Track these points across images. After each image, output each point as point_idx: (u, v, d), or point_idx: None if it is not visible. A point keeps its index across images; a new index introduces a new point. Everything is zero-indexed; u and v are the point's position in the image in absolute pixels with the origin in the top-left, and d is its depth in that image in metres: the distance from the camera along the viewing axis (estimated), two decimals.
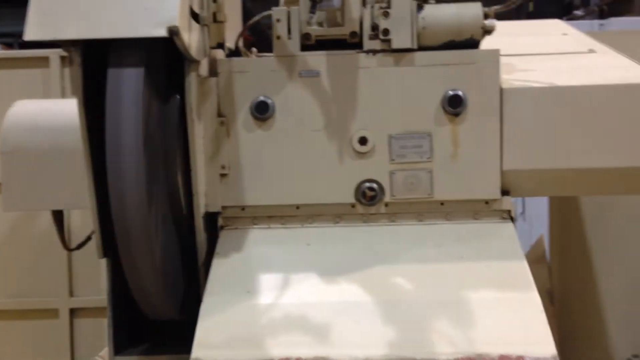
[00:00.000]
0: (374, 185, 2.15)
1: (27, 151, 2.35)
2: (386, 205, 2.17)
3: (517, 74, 2.27)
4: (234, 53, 2.32)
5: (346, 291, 1.97)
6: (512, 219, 2.19)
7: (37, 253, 3.64)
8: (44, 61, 3.61)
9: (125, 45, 1.84)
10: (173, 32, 1.76)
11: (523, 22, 3.03)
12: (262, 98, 2.13)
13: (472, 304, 1.92)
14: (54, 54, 3.60)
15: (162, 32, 1.76)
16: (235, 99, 2.14)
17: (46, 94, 3.58)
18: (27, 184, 2.37)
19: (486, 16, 2.15)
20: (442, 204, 2.17)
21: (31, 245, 3.63)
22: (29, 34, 1.77)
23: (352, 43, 2.14)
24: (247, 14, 2.67)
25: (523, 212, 5.19)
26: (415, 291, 1.98)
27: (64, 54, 3.45)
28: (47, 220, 3.17)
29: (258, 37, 3.17)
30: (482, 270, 2.02)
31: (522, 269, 2.02)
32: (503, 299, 1.94)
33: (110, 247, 2.03)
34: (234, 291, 1.99)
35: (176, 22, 1.76)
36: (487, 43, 2.18)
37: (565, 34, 2.90)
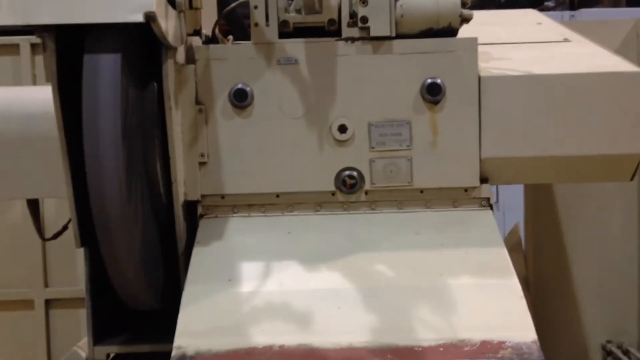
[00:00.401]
0: (354, 174, 2.15)
1: (0, 139, 2.30)
2: (366, 193, 2.17)
3: (494, 62, 2.28)
4: (211, 40, 2.30)
5: (328, 279, 1.98)
6: (491, 207, 2.21)
7: (11, 244, 3.59)
8: (14, 49, 3.55)
9: (101, 31, 1.81)
10: (150, 17, 1.74)
11: (498, 11, 3.05)
12: (240, 86, 2.11)
13: (452, 290, 1.94)
14: (24, 41, 3.54)
15: (138, 18, 1.73)
16: (214, 87, 2.12)
17: (16, 82, 3.53)
18: (1, 172, 2.33)
19: (464, 4, 2.16)
20: (421, 191, 2.19)
21: (5, 235, 3.58)
22: (2, 19, 1.73)
23: (331, 31, 2.13)
24: (221, 2, 2.65)
25: (497, 202, 5.25)
26: (396, 278, 2.00)
27: (35, 41, 3.42)
28: (21, 210, 3.13)
29: (233, 26, 3.14)
30: (462, 257, 2.04)
31: (502, 256, 2.05)
32: (483, 285, 1.96)
33: (87, 236, 2.00)
34: (216, 280, 1.98)
35: (153, 8, 1.74)
36: (463, 32, 2.19)
37: (539, 23, 2.92)
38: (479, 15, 2.26)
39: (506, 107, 2.15)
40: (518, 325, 1.84)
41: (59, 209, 3.41)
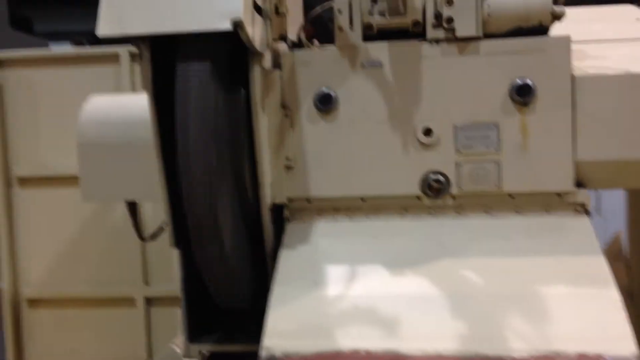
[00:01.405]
0: (440, 177, 2.12)
1: (102, 144, 2.42)
2: (453, 197, 2.13)
3: (589, 61, 2.18)
4: (296, 45, 2.33)
5: (414, 284, 1.96)
6: (588, 213, 2.11)
7: (114, 244, 3.77)
8: (114, 58, 3.73)
9: (191, 39, 1.88)
10: (237, 25, 1.79)
11: (593, 7, 2.90)
12: (325, 90, 2.13)
13: (545, 299, 1.86)
14: (124, 50, 3.71)
15: (226, 26, 1.79)
16: (299, 91, 2.15)
17: (117, 90, 3.70)
18: (102, 176, 2.45)
19: (555, 1, 2.08)
20: (511, 196, 2.12)
21: (108, 236, 3.77)
22: (101, 31, 1.83)
23: (415, 32, 2.11)
24: (307, 7, 2.68)
25: (598, 207, 4.98)
26: (485, 285, 1.94)
27: (134, 50, 3.56)
28: (122, 212, 3.30)
29: (320, 29, 3.16)
30: (556, 264, 1.96)
31: (600, 264, 1.95)
32: (579, 294, 1.88)
33: (182, 236, 2.08)
34: (302, 282, 2.00)
35: (240, 15, 1.78)
36: (556, 29, 2.11)
37: (639, 19, 2.76)
38: (573, 12, 2.17)
39: (603, 108, 2.05)
40: (617, 338, 1.74)
41: (156, 210, 3.56)
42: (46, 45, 6.46)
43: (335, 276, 2.02)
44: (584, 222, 2.08)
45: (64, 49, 4.73)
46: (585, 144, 2.06)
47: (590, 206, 2.14)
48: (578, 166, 2.08)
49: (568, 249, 2.00)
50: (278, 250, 2.13)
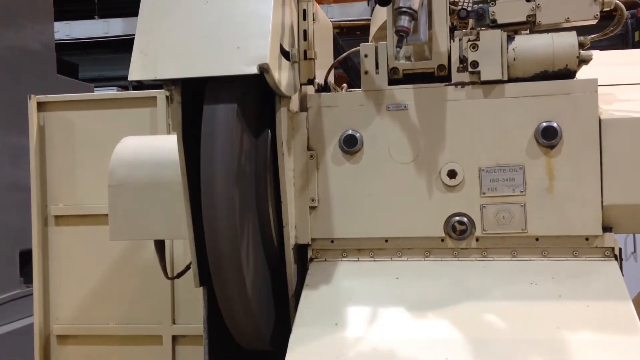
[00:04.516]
0: (464, 219, 2.11)
1: (132, 184, 2.48)
2: (477, 239, 2.12)
3: (617, 104, 2.17)
4: (324, 88, 2.37)
5: (435, 327, 1.93)
6: (616, 257, 2.07)
7: (143, 282, 3.80)
8: (152, 101, 3.82)
9: (219, 82, 1.93)
10: (263, 69, 1.83)
11: (627, 51, 2.89)
12: (350, 132, 2.16)
13: (571, 345, 1.82)
14: (161, 94, 3.81)
15: (253, 70, 1.84)
16: (325, 133, 2.18)
17: (153, 131, 3.78)
18: (131, 215, 2.50)
19: (582, 45, 2.08)
20: (537, 239, 2.10)
21: (139, 274, 3.80)
22: (133, 75, 1.90)
23: (440, 76, 2.14)
24: (339, 52, 2.73)
25: (635, 252, 4.86)
26: (508, 330, 1.91)
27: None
28: (153, 250, 3.33)
29: (350, 74, 3.22)
30: (583, 310, 1.92)
31: (627, 311, 1.90)
32: (605, 341, 1.83)
33: (207, 276, 2.10)
34: (322, 323, 2.00)
35: (267, 60, 1.83)
36: (585, 73, 2.11)
37: None
38: (600, 55, 2.17)
39: (631, 151, 2.03)
40: None
41: (187, 248, 3.59)
42: (91, 90, 6.67)
43: (356, 318, 2.01)
44: (611, 266, 2.04)
45: (107, 93, 4.89)
46: (613, 187, 2.04)
47: (626, 251, 2.10)
48: (605, 210, 2.05)
49: (594, 294, 1.96)
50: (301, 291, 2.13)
